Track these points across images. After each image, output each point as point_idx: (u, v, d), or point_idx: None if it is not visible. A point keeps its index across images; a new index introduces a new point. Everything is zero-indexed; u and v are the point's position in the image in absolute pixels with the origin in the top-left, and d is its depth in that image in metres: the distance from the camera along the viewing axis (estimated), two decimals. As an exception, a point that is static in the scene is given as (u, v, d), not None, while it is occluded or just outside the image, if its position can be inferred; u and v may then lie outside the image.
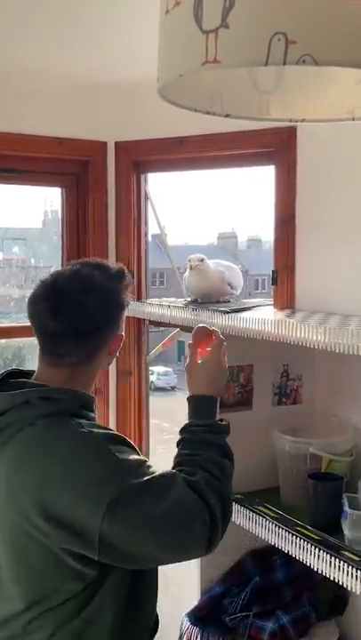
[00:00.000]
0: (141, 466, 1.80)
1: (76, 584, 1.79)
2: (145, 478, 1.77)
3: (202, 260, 2.90)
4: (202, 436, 1.97)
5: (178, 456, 1.96)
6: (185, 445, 1.98)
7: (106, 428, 1.93)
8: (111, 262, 2.10)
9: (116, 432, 1.93)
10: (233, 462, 1.98)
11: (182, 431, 2.02)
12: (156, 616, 2.08)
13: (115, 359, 2.20)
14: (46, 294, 1.94)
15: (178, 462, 1.93)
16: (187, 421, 2.04)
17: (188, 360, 2.14)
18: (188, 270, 2.94)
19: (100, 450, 1.78)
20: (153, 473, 1.81)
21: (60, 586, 1.79)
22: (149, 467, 1.83)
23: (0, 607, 1.88)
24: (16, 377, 1.99)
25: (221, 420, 2.04)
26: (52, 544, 1.74)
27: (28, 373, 2.02)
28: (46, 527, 1.73)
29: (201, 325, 2.20)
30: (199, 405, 2.05)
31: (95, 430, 1.83)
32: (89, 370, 1.99)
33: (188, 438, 1.99)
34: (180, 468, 1.88)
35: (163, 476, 1.82)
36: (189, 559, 1.98)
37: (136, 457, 1.83)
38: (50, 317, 1.91)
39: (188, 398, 2.08)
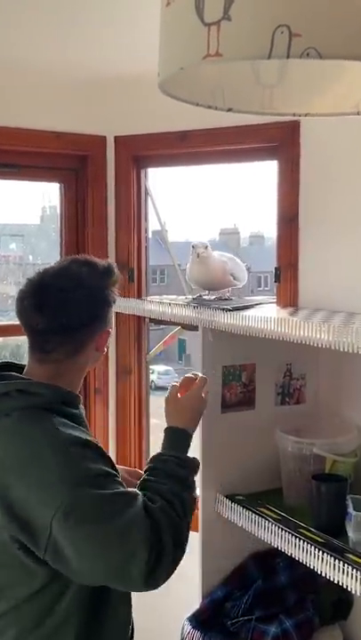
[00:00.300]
0: (104, 477, 1.80)
1: (30, 581, 1.82)
2: (103, 491, 1.76)
3: (206, 247, 2.87)
4: (171, 468, 1.96)
5: (143, 481, 1.96)
6: (153, 473, 1.97)
7: (83, 431, 1.92)
8: (100, 259, 2.14)
9: (89, 438, 1.89)
10: (195, 502, 1.99)
11: (153, 460, 2.03)
12: (132, 627, 2.09)
13: (105, 357, 2.27)
14: (32, 291, 2.00)
15: (142, 487, 1.92)
16: (159, 451, 2.05)
17: (168, 393, 2.18)
18: (190, 260, 2.90)
19: (61, 452, 1.79)
20: (116, 488, 1.80)
21: (15, 579, 1.83)
22: (115, 481, 1.82)
23: None
24: (8, 369, 2.03)
25: (192, 463, 2.04)
26: (2, 531, 1.78)
27: (21, 367, 2.05)
28: (1, 514, 1.78)
29: (189, 375, 2.26)
30: (174, 437, 2.07)
31: (66, 431, 1.83)
32: (75, 366, 2.01)
33: (159, 467, 1.98)
34: (143, 492, 1.87)
35: (124, 494, 1.81)
36: (128, 588, 1.94)
37: (102, 467, 1.82)
38: (36, 313, 1.96)
39: (165, 429, 2.10)
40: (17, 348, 3.67)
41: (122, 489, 1.81)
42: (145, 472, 1.99)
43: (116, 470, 1.89)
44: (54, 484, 1.74)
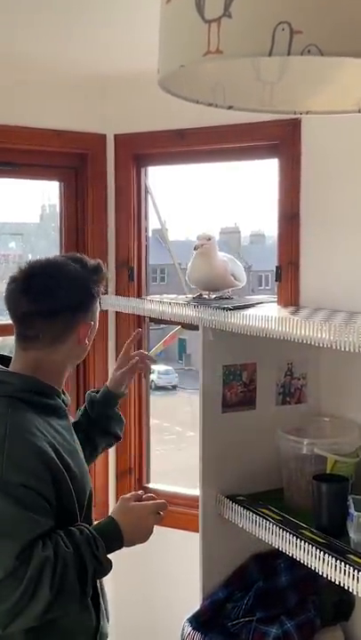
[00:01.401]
0: (23, 488, 1.81)
1: None
2: (7, 502, 1.79)
3: (209, 238, 2.86)
4: (85, 544, 1.90)
5: (61, 532, 1.90)
6: (70, 532, 1.91)
7: (47, 426, 1.97)
8: (91, 257, 2.19)
9: (38, 443, 1.89)
10: (67, 595, 1.86)
11: (79, 526, 1.98)
12: (98, 625, 2.09)
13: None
14: (20, 276, 2.06)
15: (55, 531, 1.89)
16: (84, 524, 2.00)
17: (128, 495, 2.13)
18: (194, 254, 2.89)
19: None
20: (27, 509, 1.81)
21: None
22: (33, 500, 1.83)
23: None
24: None
25: (108, 562, 1.96)
26: None
27: (9, 359, 2.12)
28: None
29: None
30: (109, 528, 2.00)
31: (14, 423, 1.88)
32: (56, 358, 2.06)
33: (79, 532, 1.93)
34: (53, 534, 1.87)
35: (25, 519, 1.81)
36: None
37: (27, 478, 1.83)
38: (22, 296, 2.02)
39: (108, 516, 2.06)
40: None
41: (30, 515, 1.80)
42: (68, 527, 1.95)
43: (61, 473, 1.91)
44: None
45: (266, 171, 3.06)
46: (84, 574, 1.86)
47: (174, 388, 14.33)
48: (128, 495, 2.12)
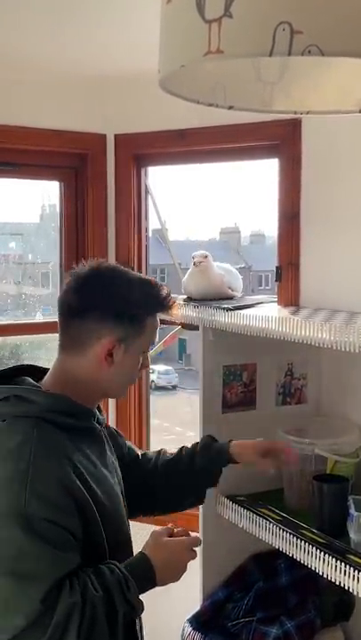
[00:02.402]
0: (47, 522, 1.66)
1: None
2: (31, 538, 1.64)
3: (206, 256, 2.85)
4: (115, 586, 1.75)
5: (89, 571, 1.75)
6: (99, 572, 1.76)
7: (69, 453, 1.80)
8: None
9: (65, 472, 1.75)
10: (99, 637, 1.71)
11: (110, 564, 1.81)
12: None
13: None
14: (84, 270, 1.92)
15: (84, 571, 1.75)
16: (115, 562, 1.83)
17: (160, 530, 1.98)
18: (190, 269, 2.89)
19: (18, 474, 1.70)
20: (49, 543, 1.65)
21: None
22: (58, 535, 1.68)
23: None
24: (29, 372, 1.97)
25: (140, 604, 1.81)
26: None
27: (44, 371, 1.98)
28: None
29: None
30: (141, 566, 1.84)
31: (38, 451, 1.73)
32: (80, 371, 1.90)
33: (109, 572, 1.77)
34: (81, 572, 1.72)
35: (50, 560, 1.66)
36: None
37: (52, 512, 1.68)
38: (74, 292, 1.90)
39: (139, 552, 1.90)
40: (16, 347, 3.67)
41: (55, 552, 1.66)
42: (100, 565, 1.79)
43: (90, 507, 1.78)
44: None
45: (266, 171, 3.06)
46: (113, 619, 1.72)
47: (174, 387, 14.31)
48: (160, 529, 1.96)
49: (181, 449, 2.34)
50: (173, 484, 2.27)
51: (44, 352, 3.69)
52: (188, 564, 1.95)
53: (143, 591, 1.81)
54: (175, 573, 1.91)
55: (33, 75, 3.09)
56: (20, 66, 3.01)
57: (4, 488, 1.68)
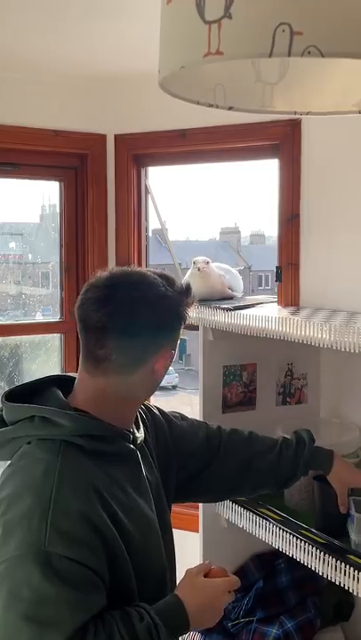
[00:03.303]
0: (68, 561, 1.52)
1: None
2: (50, 580, 1.49)
3: (207, 262, 2.85)
4: (144, 635, 1.58)
5: (117, 616, 1.60)
6: (127, 618, 1.60)
7: (96, 473, 1.67)
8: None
9: (90, 507, 1.60)
10: None
11: (139, 608, 1.65)
12: None
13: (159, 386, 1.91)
14: (100, 283, 1.75)
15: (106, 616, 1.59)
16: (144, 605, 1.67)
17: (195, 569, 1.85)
18: (190, 271, 2.88)
19: (39, 507, 1.56)
20: (70, 585, 1.50)
21: None
22: (80, 577, 1.53)
23: None
24: (58, 383, 1.83)
25: None
26: None
27: (72, 380, 1.84)
28: None
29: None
30: (174, 612, 1.68)
31: (60, 482, 1.60)
32: (126, 388, 1.76)
33: (139, 618, 1.61)
34: (106, 615, 1.57)
35: (70, 604, 1.50)
36: None
37: (73, 549, 1.53)
38: (97, 306, 1.71)
39: (173, 595, 1.73)
40: (16, 347, 3.66)
41: (77, 594, 1.51)
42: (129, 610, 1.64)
43: (118, 544, 1.63)
44: (13, 537, 1.54)
45: (266, 171, 3.06)
46: None
47: (174, 388, 14.31)
48: (196, 569, 1.83)
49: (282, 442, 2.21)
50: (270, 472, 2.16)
51: (44, 352, 3.68)
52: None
53: (177, 637, 1.69)
54: (210, 618, 1.77)
55: (33, 75, 3.09)
56: (19, 66, 3.01)
57: (23, 524, 1.54)
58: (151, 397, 3.50)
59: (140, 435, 1.87)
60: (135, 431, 1.85)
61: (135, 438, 1.83)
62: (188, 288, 1.84)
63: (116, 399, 1.76)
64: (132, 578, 1.67)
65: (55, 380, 1.84)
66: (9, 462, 1.72)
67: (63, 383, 1.83)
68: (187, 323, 1.85)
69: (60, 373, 1.92)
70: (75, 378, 1.84)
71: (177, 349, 1.86)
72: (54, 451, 1.64)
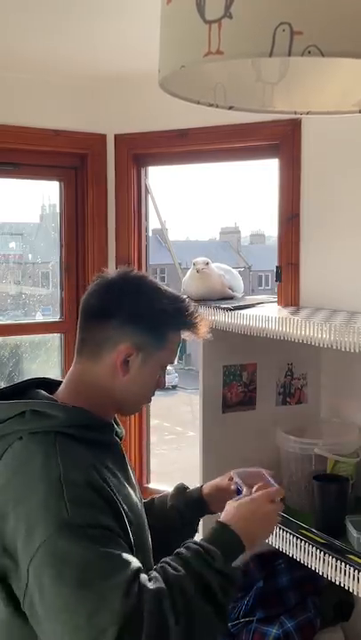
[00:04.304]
0: (97, 529, 1.55)
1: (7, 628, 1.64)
2: (89, 548, 1.51)
3: (207, 263, 2.85)
4: (198, 564, 1.62)
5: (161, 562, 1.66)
6: (173, 559, 1.65)
7: (97, 464, 1.68)
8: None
9: (95, 478, 1.63)
10: (201, 622, 1.55)
11: (185, 546, 1.69)
12: None
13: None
14: (110, 275, 1.84)
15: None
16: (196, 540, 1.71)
17: (244, 491, 1.89)
18: (190, 272, 2.89)
19: (54, 490, 1.57)
20: (108, 547, 1.53)
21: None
22: (110, 538, 1.56)
23: None
24: (44, 386, 1.85)
25: (233, 570, 1.67)
26: None
27: (58, 384, 1.88)
28: None
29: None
30: (217, 534, 1.72)
31: (68, 466, 1.61)
32: (94, 374, 1.80)
33: (183, 554, 1.65)
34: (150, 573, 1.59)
35: (113, 557, 1.53)
36: None
37: (98, 517, 1.57)
38: (98, 294, 1.82)
39: (217, 521, 1.78)
40: (16, 347, 3.66)
41: (114, 551, 1.53)
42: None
43: (123, 520, 1.65)
44: (38, 522, 1.54)
45: (266, 171, 3.06)
46: (209, 594, 1.58)
47: (174, 388, 14.33)
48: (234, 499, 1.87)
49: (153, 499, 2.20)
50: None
51: (44, 352, 3.69)
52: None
53: (234, 556, 1.68)
54: (263, 527, 1.81)
55: (33, 75, 3.09)
56: (19, 66, 3.01)
57: (43, 509, 1.55)
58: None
59: (121, 430, 1.92)
60: (117, 428, 1.88)
61: (118, 434, 1.88)
62: (193, 317, 1.85)
63: (91, 390, 1.79)
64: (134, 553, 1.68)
65: (38, 383, 1.87)
66: (2, 457, 1.71)
67: (47, 386, 1.86)
68: (172, 344, 1.84)
69: (44, 377, 1.92)
70: (60, 381, 1.87)
71: (150, 366, 1.82)
72: (49, 441, 1.65)
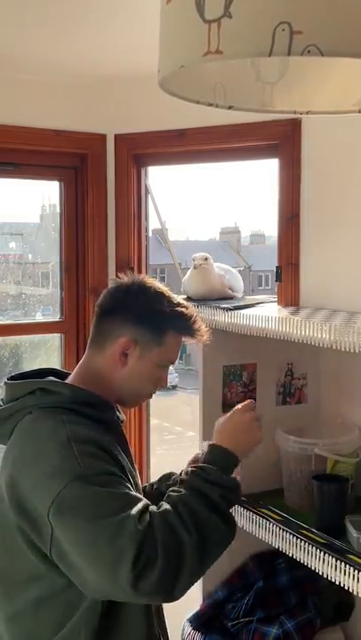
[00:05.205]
0: (105, 475, 1.74)
1: (41, 587, 1.80)
2: (101, 489, 1.69)
3: (206, 258, 2.85)
4: (192, 479, 1.81)
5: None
6: (175, 487, 1.84)
7: (99, 433, 1.85)
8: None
9: (100, 437, 1.82)
10: (220, 527, 1.75)
11: (183, 472, 1.92)
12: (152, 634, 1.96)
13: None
14: (125, 279, 2.03)
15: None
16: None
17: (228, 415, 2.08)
18: (190, 272, 2.89)
19: (63, 446, 1.75)
20: (116, 488, 1.72)
21: (28, 584, 1.82)
22: (118, 481, 1.74)
23: None
24: (53, 374, 2.05)
25: (230, 480, 1.85)
26: (16, 532, 1.79)
27: (66, 375, 2.08)
28: (12, 509, 1.79)
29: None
30: (207, 452, 1.93)
31: (73, 428, 1.79)
32: (99, 363, 1.99)
33: (183, 478, 1.85)
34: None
35: (123, 495, 1.71)
36: (120, 594, 1.69)
37: (105, 466, 1.76)
38: (107, 295, 2.02)
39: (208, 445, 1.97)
40: (16, 347, 3.66)
41: (124, 490, 1.72)
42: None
43: (125, 474, 1.84)
44: (54, 476, 1.71)
45: (266, 171, 3.06)
46: (213, 506, 1.75)
47: (174, 388, 14.33)
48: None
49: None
50: None
51: (44, 352, 3.69)
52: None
53: (229, 468, 1.87)
54: (247, 434, 2.00)
55: (33, 75, 3.09)
56: (20, 66, 3.01)
57: (56, 466, 1.73)
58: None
59: (122, 415, 2.09)
60: (118, 413, 2.07)
61: (118, 416, 2.05)
62: (194, 325, 2.01)
63: (95, 377, 1.98)
64: None
65: (51, 372, 2.06)
66: (11, 435, 1.91)
67: (58, 375, 2.06)
68: (173, 344, 2.01)
69: (53, 367, 2.14)
70: (67, 373, 2.08)
71: (151, 362, 1.99)
72: (57, 414, 1.83)
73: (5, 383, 1.98)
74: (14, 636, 1.86)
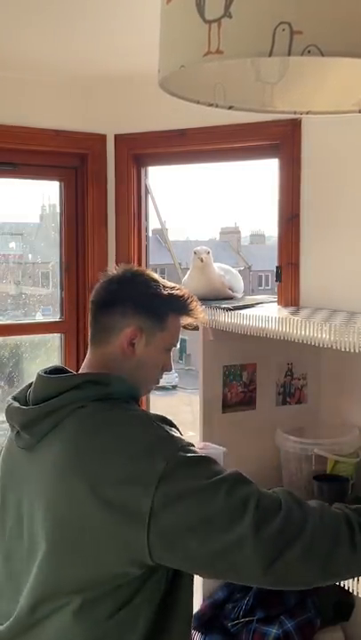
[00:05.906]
0: (192, 446, 1.73)
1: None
2: (198, 454, 1.69)
3: (208, 252, 2.86)
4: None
5: None
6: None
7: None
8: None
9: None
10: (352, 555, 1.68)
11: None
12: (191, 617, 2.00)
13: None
14: (114, 272, 2.00)
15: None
16: None
17: None
18: (190, 272, 2.89)
19: (148, 425, 1.74)
20: (215, 468, 1.70)
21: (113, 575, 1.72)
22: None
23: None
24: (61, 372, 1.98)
25: None
26: (102, 527, 1.67)
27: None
28: (97, 507, 1.66)
29: None
30: None
31: (145, 412, 1.84)
32: (105, 358, 1.93)
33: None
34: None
35: (234, 473, 1.70)
36: (245, 575, 1.68)
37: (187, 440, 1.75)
38: (107, 285, 1.97)
39: None
40: (16, 347, 3.66)
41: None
42: None
43: None
44: (147, 457, 1.66)
45: (266, 171, 3.06)
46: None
47: (174, 388, 14.31)
48: None
49: None
50: None
51: (44, 352, 3.69)
52: None
53: None
54: None
55: (33, 75, 3.09)
56: (20, 66, 3.01)
57: (152, 440, 1.71)
58: (151, 397, 3.52)
59: None
60: None
61: None
62: (189, 302, 2.00)
63: (107, 368, 1.91)
64: None
65: (57, 370, 1.99)
66: (48, 434, 1.80)
67: (65, 372, 1.97)
68: (174, 329, 2.00)
69: (57, 365, 2.05)
70: (66, 369, 2.00)
71: (157, 350, 1.97)
72: (116, 404, 1.81)
73: (46, 378, 1.89)
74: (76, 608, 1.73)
